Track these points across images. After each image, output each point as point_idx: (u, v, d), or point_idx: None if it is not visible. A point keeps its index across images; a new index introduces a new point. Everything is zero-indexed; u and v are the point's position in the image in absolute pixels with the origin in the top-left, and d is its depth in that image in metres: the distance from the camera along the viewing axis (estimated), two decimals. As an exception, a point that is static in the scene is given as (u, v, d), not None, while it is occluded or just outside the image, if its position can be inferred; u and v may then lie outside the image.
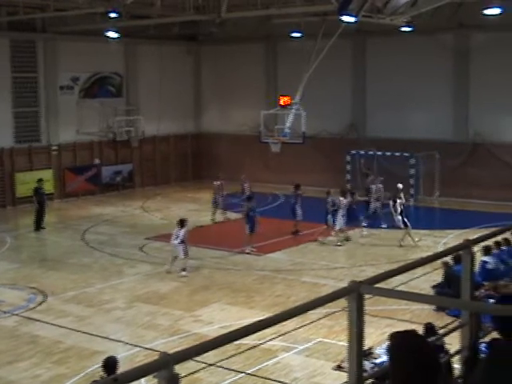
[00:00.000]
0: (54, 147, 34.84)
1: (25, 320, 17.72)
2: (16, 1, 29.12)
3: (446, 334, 6.48)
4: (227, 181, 29.51)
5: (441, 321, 15.24)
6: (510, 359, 3.56)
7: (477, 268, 16.84)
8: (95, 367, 13.63)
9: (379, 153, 33.49)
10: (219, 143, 40.14)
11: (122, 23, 31.65)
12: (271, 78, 38.70)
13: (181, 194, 35.09)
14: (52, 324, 17.33)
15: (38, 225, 27.90)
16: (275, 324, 3.97)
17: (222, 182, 29.39)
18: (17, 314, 18.10)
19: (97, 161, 36.31)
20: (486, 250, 17.96)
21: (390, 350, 3.55)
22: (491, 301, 12.19)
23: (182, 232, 21.44)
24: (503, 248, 19.52)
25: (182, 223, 21.69)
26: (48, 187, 32.54)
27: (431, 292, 18.12)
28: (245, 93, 38.93)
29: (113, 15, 27.83)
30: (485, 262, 18.04)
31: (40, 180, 29.28)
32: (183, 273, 21.35)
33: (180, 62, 40.09)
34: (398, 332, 3.59)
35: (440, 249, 22.57)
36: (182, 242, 21.40)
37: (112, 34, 32.71)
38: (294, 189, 27.01)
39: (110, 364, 10.66)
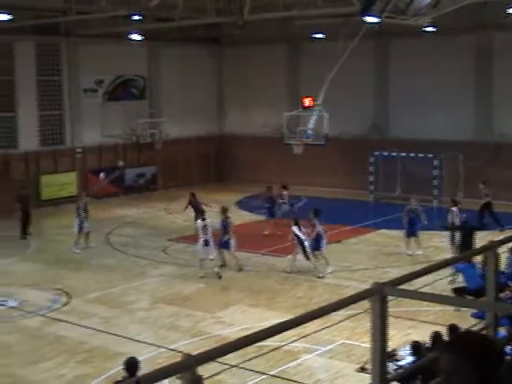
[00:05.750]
0: (79, 150, 35.08)
1: (49, 320, 17.87)
2: (40, 5, 29.40)
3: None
4: (250, 182, 29.32)
5: (464, 322, 15.14)
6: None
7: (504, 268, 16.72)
8: (119, 368, 13.71)
9: (402, 154, 33.37)
10: (241, 145, 40.15)
11: (145, 26, 31.83)
12: (293, 79, 38.67)
13: (203, 196, 35.16)
14: (76, 324, 17.46)
15: None
16: (297, 326, 3.97)
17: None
18: (41, 315, 18.26)
19: (120, 163, 36.45)
20: None
21: (460, 354, 3.27)
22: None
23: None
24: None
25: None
26: (71, 189, 32.74)
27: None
28: (267, 94, 38.92)
29: (136, 18, 27.98)
30: None
31: None
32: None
33: (202, 65, 40.20)
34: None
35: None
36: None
37: (135, 37, 32.91)
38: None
39: (130, 365, 10.74)
